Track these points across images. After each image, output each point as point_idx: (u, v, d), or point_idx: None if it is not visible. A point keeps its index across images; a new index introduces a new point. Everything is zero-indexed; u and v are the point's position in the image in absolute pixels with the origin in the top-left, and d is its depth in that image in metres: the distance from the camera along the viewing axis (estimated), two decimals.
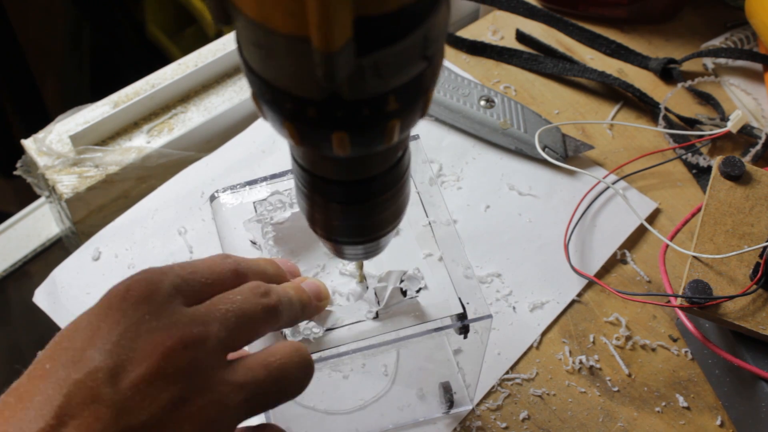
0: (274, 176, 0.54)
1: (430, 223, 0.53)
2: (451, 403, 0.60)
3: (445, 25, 0.31)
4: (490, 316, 0.49)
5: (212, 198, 0.54)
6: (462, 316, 0.49)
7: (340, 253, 0.44)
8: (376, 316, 0.49)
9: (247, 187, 0.54)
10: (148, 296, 0.38)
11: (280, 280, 0.46)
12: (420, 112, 0.33)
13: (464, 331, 0.49)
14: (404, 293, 0.49)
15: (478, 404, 0.62)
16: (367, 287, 0.50)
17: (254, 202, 0.53)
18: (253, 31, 0.29)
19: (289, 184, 0.54)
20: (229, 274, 0.42)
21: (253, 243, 0.52)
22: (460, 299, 0.49)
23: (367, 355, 0.52)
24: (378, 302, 0.49)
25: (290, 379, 0.41)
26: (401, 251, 0.51)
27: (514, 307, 0.67)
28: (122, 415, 0.35)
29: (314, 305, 0.47)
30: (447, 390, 0.60)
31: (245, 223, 0.52)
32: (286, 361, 0.40)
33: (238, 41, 0.31)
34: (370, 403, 0.60)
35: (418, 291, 0.49)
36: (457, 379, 0.61)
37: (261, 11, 0.27)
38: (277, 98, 0.31)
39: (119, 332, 0.37)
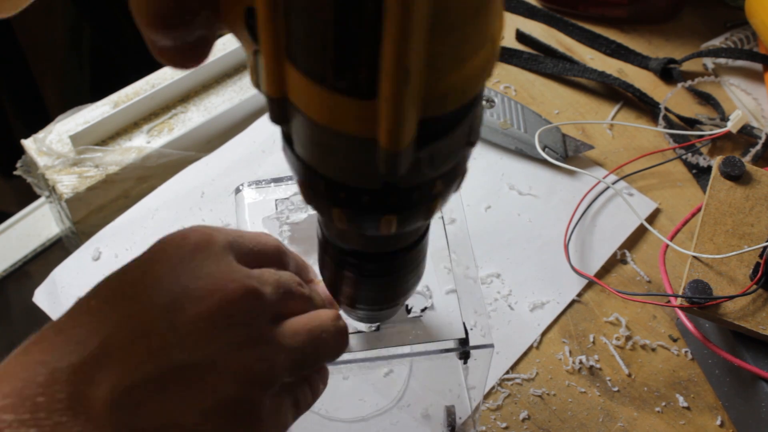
0: None
1: (448, 244, 0.53)
2: (452, 428, 0.59)
3: (483, 112, 0.33)
4: (491, 346, 0.49)
5: (237, 191, 0.54)
6: (463, 342, 0.49)
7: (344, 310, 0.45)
8: (377, 329, 0.49)
9: (273, 184, 0.54)
10: (205, 245, 0.38)
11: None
12: (457, 186, 0.34)
13: (464, 356, 0.49)
14: (408, 311, 0.49)
15: (479, 404, 0.61)
16: None
17: (276, 200, 0.53)
18: (316, 133, 0.29)
19: None
20: (273, 249, 0.42)
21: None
22: (464, 324, 0.49)
23: (363, 367, 0.52)
24: None
25: (328, 346, 0.41)
26: None
27: (513, 307, 0.67)
28: (175, 350, 0.34)
29: (330, 309, 0.47)
30: (450, 414, 0.59)
31: (264, 220, 0.52)
32: (325, 329, 0.41)
33: (290, 138, 0.32)
34: (374, 416, 0.60)
35: (423, 310, 0.49)
36: (465, 405, 0.61)
37: (329, 116, 0.28)
38: (331, 189, 0.32)
39: (176, 273, 0.36)
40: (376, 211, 0.32)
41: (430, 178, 0.32)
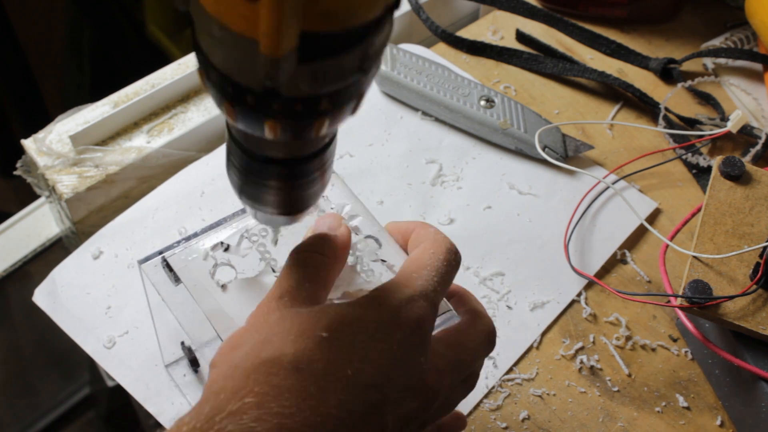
0: (211, 226, 0.51)
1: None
2: None
3: (386, 41, 0.34)
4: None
5: (165, 265, 0.49)
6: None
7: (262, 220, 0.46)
8: None
9: (192, 240, 0.50)
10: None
11: None
12: (351, 112, 0.35)
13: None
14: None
15: (478, 404, 0.62)
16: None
17: (209, 251, 0.50)
18: (207, 22, 0.31)
19: (228, 232, 0.51)
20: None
21: (223, 286, 0.49)
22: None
23: None
24: None
25: None
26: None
27: (512, 307, 0.67)
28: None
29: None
30: None
31: (212, 270, 0.49)
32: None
33: (192, 21, 0.34)
34: None
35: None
36: None
37: (217, 7, 0.30)
38: (221, 81, 0.34)
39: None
40: (260, 113, 0.33)
41: (316, 94, 0.33)
